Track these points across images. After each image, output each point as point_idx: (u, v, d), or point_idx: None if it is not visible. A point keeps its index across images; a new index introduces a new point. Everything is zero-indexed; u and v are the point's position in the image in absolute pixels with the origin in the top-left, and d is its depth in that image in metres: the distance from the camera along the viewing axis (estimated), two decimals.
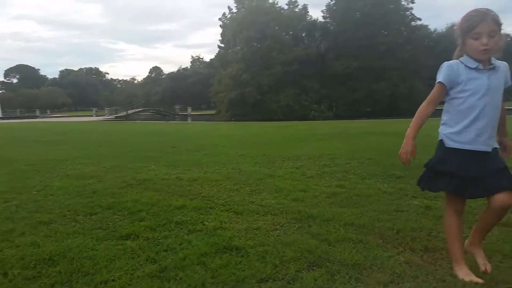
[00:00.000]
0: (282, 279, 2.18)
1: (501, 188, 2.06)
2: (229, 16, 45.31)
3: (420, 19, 41.00)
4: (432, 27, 53.82)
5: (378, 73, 36.28)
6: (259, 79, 37.27)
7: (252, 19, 38.33)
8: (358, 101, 37.13)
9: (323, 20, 41.72)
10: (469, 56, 2.11)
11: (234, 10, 44.47)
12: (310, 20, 42.20)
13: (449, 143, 2.18)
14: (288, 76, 37.37)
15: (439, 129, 2.26)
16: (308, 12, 42.97)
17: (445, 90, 2.17)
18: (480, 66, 2.09)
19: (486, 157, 2.12)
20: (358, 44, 36.66)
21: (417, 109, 2.27)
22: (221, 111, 40.98)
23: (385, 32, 37.73)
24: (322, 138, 10.01)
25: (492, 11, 2.06)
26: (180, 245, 2.70)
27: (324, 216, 3.23)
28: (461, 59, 2.14)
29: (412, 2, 39.13)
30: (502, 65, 2.15)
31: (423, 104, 2.27)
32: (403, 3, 39.21)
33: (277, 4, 42.20)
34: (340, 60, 37.28)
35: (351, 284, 2.10)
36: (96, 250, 2.63)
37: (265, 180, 4.78)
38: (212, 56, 62.49)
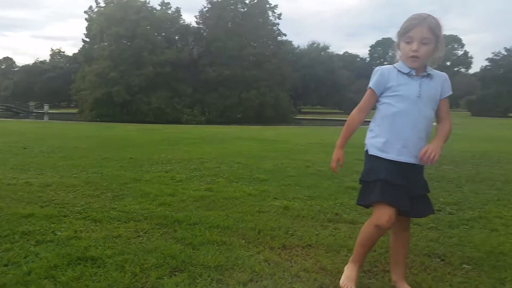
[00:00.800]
0: (142, 287, 2.08)
1: (431, 211, 2.06)
2: (96, 10, 42.36)
3: (285, 35, 44.11)
4: (295, 43, 58.75)
5: (248, 82, 37.82)
6: (129, 78, 35.53)
7: (121, 15, 36.39)
8: (230, 108, 38.10)
9: (196, 26, 41.83)
10: (403, 62, 2.00)
11: (102, 4, 41.78)
12: (183, 24, 41.92)
13: (375, 152, 2.02)
14: (160, 78, 36.44)
15: (366, 137, 2.11)
16: (181, 15, 42.65)
17: (375, 96, 2.03)
18: (413, 72, 1.97)
19: (415, 171, 2.00)
20: (229, 53, 37.68)
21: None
22: (84, 110, 37.79)
23: (254, 44, 39.54)
24: (194, 142, 10.00)
25: (433, 19, 1.93)
26: (25, 258, 2.39)
27: (191, 220, 3.21)
28: (395, 64, 2.03)
29: (279, 18, 41.90)
30: (439, 75, 2.02)
31: (354, 111, 2.11)
32: (270, 18, 41.66)
33: (148, 3, 41.01)
34: (212, 66, 37.80)
35: (212, 286, 2.12)
36: None
37: (130, 185, 4.56)
38: (76, 51, 57.66)
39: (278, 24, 42.16)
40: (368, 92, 2.06)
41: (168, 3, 43.11)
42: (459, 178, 5.27)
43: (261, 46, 39.65)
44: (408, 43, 1.94)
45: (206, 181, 4.92)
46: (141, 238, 2.82)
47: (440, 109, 2.03)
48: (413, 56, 1.93)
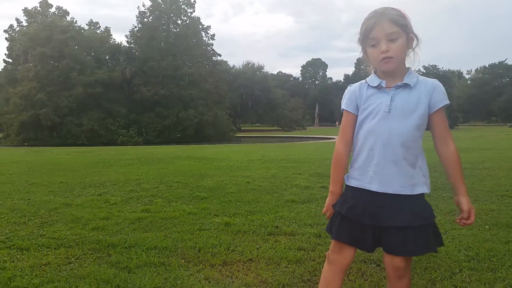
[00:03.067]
0: None
1: (406, 252, 1.63)
2: (18, 29, 40.10)
3: (220, 55, 44.56)
4: (230, 63, 59.65)
5: (185, 102, 37.55)
6: (58, 100, 33.71)
7: (47, 35, 34.63)
8: (168, 127, 37.46)
9: (127, 45, 40.96)
10: (375, 73, 1.69)
11: (24, 24, 39.71)
12: (114, 43, 40.87)
13: (348, 180, 1.73)
14: (92, 99, 34.99)
15: None
16: (111, 35, 41.69)
17: (353, 116, 1.71)
18: (383, 84, 1.65)
19: (393, 201, 1.61)
20: (164, 73, 37.24)
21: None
22: (10, 134, 35.17)
23: (190, 64, 39.46)
24: (130, 163, 9.64)
25: (392, 10, 1.62)
26: None
27: (126, 243, 3.07)
28: (367, 78, 1.72)
29: (213, 39, 42.29)
30: (425, 83, 1.63)
31: (337, 143, 1.77)
32: (204, 38, 41.93)
33: (76, 23, 39.64)
34: (147, 86, 37.03)
35: None
36: None
37: (60, 210, 4.28)
38: None
39: (212, 44, 42.58)
40: (343, 115, 1.75)
41: (97, 23, 42.06)
42: None
43: (197, 65, 39.67)
44: (374, 46, 1.62)
45: (144, 202, 4.76)
46: (72, 265, 2.64)
47: (434, 126, 1.65)
48: (385, 58, 1.60)
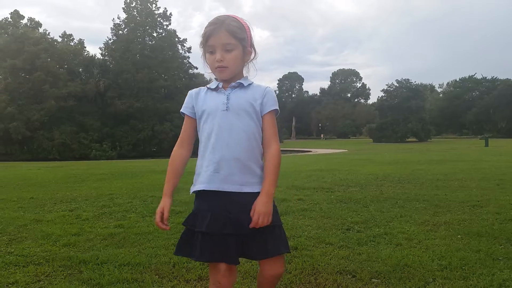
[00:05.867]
0: None
1: (267, 254, 1.62)
2: None
3: (197, 68, 44.34)
4: (207, 76, 59.29)
5: (161, 115, 37.23)
6: (29, 113, 32.92)
7: (18, 47, 33.95)
8: (143, 141, 36.97)
9: (101, 58, 40.47)
10: (216, 79, 1.72)
11: None
12: (88, 56, 40.35)
13: (191, 188, 1.68)
14: (64, 112, 34.33)
15: None
16: (85, 47, 41.19)
17: (191, 120, 1.73)
18: (220, 85, 1.68)
19: (240, 202, 1.59)
20: (139, 86, 36.88)
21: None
22: None
23: (166, 77, 39.22)
24: (103, 178, 9.44)
25: (233, 21, 1.64)
26: None
27: (98, 260, 2.99)
28: (208, 84, 1.75)
29: (189, 52, 42.25)
30: (257, 86, 1.70)
31: (175, 146, 1.77)
32: (180, 51, 41.85)
33: (48, 35, 38.99)
34: (122, 99, 36.54)
35: None
36: None
37: (30, 227, 4.14)
38: None
39: (188, 57, 42.49)
40: (184, 119, 1.76)
41: (71, 35, 41.53)
42: (365, 199, 5.63)
43: (173, 78, 39.47)
44: (211, 53, 1.65)
45: (116, 217, 4.65)
46: (41, 283, 2.55)
47: (263, 128, 1.68)
48: (219, 67, 1.64)
